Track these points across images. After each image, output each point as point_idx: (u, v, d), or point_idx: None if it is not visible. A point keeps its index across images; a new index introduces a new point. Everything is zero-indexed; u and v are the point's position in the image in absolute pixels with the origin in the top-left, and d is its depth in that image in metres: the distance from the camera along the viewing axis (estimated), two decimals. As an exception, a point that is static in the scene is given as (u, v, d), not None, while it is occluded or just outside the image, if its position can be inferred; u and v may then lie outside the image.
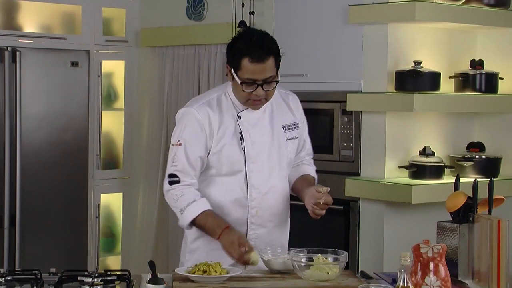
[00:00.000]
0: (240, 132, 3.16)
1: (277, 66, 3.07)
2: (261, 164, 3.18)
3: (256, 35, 3.07)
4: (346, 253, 2.95)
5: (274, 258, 3.04)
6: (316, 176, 3.38)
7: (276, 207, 3.24)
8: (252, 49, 3.01)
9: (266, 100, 3.12)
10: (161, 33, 5.79)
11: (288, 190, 3.30)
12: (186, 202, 3.15)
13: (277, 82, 3.08)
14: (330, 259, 2.94)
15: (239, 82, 3.04)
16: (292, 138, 3.25)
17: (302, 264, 2.89)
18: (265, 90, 3.05)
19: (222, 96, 3.20)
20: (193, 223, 3.15)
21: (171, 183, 3.20)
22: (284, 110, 3.26)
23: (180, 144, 3.17)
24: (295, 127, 3.27)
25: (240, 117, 3.17)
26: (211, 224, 3.09)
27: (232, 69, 3.06)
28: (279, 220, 3.26)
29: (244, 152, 3.16)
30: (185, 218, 3.15)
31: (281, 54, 3.10)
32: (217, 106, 3.17)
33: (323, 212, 3.07)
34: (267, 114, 3.22)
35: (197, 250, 3.27)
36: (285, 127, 3.24)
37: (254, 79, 3.02)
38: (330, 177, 4.43)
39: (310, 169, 3.38)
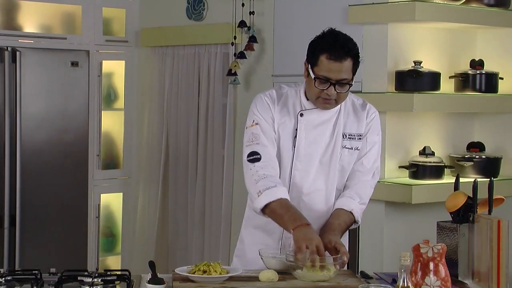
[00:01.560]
0: (296, 129, 3.15)
1: (354, 70, 3.05)
2: (309, 165, 3.14)
3: (341, 36, 3.06)
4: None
5: (273, 258, 3.04)
6: (354, 210, 3.14)
7: (317, 210, 3.16)
8: (333, 47, 3.00)
9: (337, 102, 3.08)
10: (161, 33, 5.79)
11: (336, 197, 3.20)
12: (267, 186, 3.05)
13: (350, 85, 3.05)
14: (327, 259, 2.93)
15: (313, 77, 3.03)
16: (352, 148, 3.18)
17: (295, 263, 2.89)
18: (337, 91, 3.02)
19: (291, 92, 3.20)
20: (267, 209, 3.05)
21: (252, 161, 3.11)
22: (351, 119, 3.20)
23: (256, 124, 3.14)
24: (358, 138, 3.19)
25: (302, 115, 3.14)
26: (293, 214, 3.00)
27: (310, 66, 3.06)
28: (320, 225, 3.13)
29: (294, 149, 3.14)
30: (261, 201, 3.04)
31: (360, 60, 3.07)
32: (283, 99, 3.17)
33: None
34: (333, 119, 3.17)
35: (245, 243, 3.28)
36: (345, 135, 3.18)
37: (328, 77, 3.00)
38: (330, 177, 4.43)
39: (347, 203, 3.15)
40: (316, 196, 3.16)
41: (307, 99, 3.15)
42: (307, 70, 3.08)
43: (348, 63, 3.00)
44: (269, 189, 3.04)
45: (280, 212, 3.02)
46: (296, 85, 3.22)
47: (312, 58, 3.05)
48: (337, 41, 3.02)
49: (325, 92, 3.02)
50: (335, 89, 3.01)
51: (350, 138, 3.17)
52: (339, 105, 3.15)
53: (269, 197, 3.03)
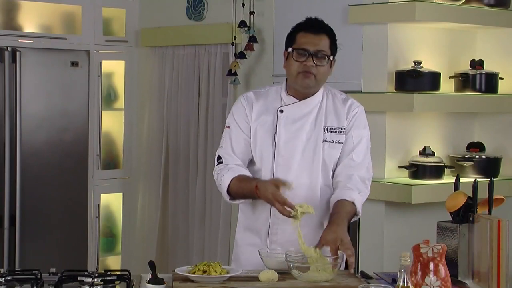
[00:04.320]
0: (276, 126, 3.18)
1: (332, 50, 3.16)
2: (290, 160, 3.17)
3: (316, 18, 3.25)
4: (342, 253, 2.95)
5: (273, 258, 3.04)
6: (356, 200, 3.13)
7: None
8: (308, 24, 3.19)
9: (316, 79, 3.14)
10: (161, 33, 5.79)
11: (324, 193, 3.22)
12: (222, 173, 3.19)
13: (329, 60, 3.14)
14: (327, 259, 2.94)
15: (291, 50, 3.14)
16: (333, 142, 3.21)
17: (297, 265, 2.89)
18: (316, 63, 3.11)
19: (272, 90, 3.28)
20: (233, 194, 3.16)
21: (217, 164, 3.25)
22: (333, 113, 3.24)
23: (227, 127, 3.27)
24: (340, 132, 3.22)
25: (282, 111, 3.20)
26: (246, 186, 3.11)
27: (288, 49, 3.17)
28: (306, 220, 3.14)
29: (275, 145, 3.18)
30: (223, 189, 3.17)
31: (338, 46, 3.19)
32: (263, 98, 3.25)
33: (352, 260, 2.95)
34: (313, 113, 3.22)
35: (239, 244, 3.33)
36: (326, 128, 3.21)
37: (306, 48, 3.11)
38: (330, 177, 4.43)
39: (349, 194, 3.14)
40: (300, 190, 3.16)
41: (288, 95, 3.22)
42: (285, 56, 3.19)
43: (324, 38, 3.15)
44: (223, 177, 3.16)
45: (239, 192, 3.13)
46: (279, 84, 3.30)
47: (289, 41, 3.18)
48: (312, 19, 3.22)
49: (304, 63, 3.11)
50: (313, 61, 3.10)
51: (331, 131, 3.21)
52: (318, 99, 3.20)
53: (225, 182, 3.14)
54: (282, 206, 2.97)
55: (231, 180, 3.15)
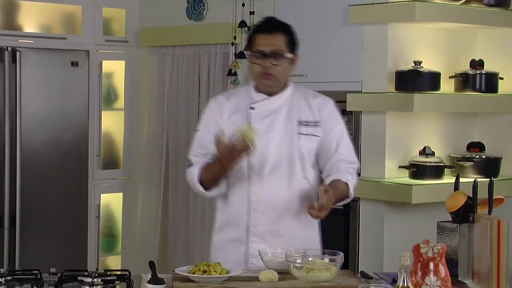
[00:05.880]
0: (249, 122, 3.21)
1: (291, 47, 3.21)
2: (266, 155, 3.21)
3: (273, 17, 3.34)
4: (341, 254, 2.95)
5: (273, 258, 3.04)
6: (350, 181, 3.22)
7: (280, 196, 3.23)
8: (263, 25, 3.24)
9: (277, 78, 3.20)
10: (161, 33, 5.79)
11: (302, 184, 3.27)
12: (191, 173, 3.23)
13: (288, 59, 3.19)
14: (326, 260, 2.94)
15: (249, 54, 3.21)
16: (308, 135, 3.27)
17: (297, 265, 2.89)
18: (274, 63, 3.16)
19: (241, 90, 3.37)
20: (206, 183, 3.20)
21: (188, 167, 3.30)
22: (304, 108, 3.30)
23: (197, 131, 3.34)
24: (314, 125, 3.27)
25: (252, 108, 3.26)
26: (211, 165, 3.16)
27: (248, 52, 3.24)
28: (285, 210, 3.23)
29: None
30: (195, 181, 3.21)
31: (295, 40, 3.24)
32: (233, 98, 3.31)
33: (321, 214, 3.03)
34: (284, 107, 3.27)
35: (218, 242, 3.37)
36: (301, 122, 3.27)
37: (262, 50, 3.16)
38: (330, 177, 4.43)
39: (343, 175, 3.23)
40: (278, 182, 3.23)
41: (258, 92, 3.27)
42: (248, 57, 3.27)
43: (280, 37, 3.19)
44: (191, 173, 3.22)
45: (208, 177, 3.17)
46: (248, 84, 3.38)
47: (249, 44, 3.26)
48: (267, 19, 3.29)
49: (262, 65, 3.17)
50: (270, 62, 3.16)
51: (306, 125, 3.27)
52: (288, 94, 3.27)
53: (194, 174, 3.20)
54: (231, 147, 3.01)
55: (199, 170, 3.20)
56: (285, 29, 3.23)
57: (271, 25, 3.23)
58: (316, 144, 3.27)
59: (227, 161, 3.07)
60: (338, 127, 3.32)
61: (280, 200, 3.22)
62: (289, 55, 3.20)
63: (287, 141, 3.24)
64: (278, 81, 3.23)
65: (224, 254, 3.27)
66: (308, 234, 3.30)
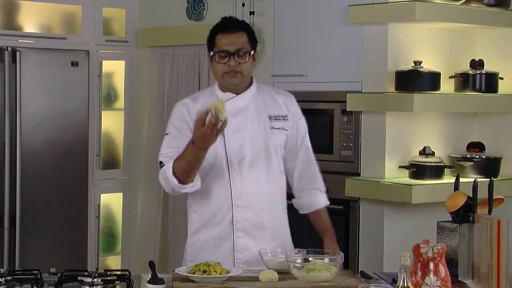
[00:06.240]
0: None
1: (252, 44, 3.28)
2: (242, 152, 3.26)
3: (230, 17, 3.39)
4: (341, 254, 2.95)
5: (273, 258, 3.04)
6: (322, 200, 3.49)
7: (261, 189, 3.29)
8: (224, 24, 3.30)
9: (242, 74, 3.25)
10: (161, 33, 5.79)
11: (278, 177, 3.35)
12: (165, 172, 3.19)
13: (251, 56, 3.26)
14: (326, 260, 2.94)
15: (213, 54, 3.24)
16: (279, 129, 3.35)
17: (297, 265, 2.89)
18: (238, 61, 3.22)
19: (205, 92, 3.42)
20: (180, 174, 3.15)
21: (160, 168, 3.28)
22: (272, 103, 3.37)
23: (166, 134, 3.34)
24: (283, 119, 3.36)
25: None
26: (184, 153, 3.11)
27: (210, 52, 3.28)
28: (267, 203, 3.30)
29: (225, 139, 3.24)
30: (169, 174, 3.15)
31: (256, 36, 3.32)
32: (199, 100, 3.33)
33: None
34: (252, 104, 3.33)
35: (195, 243, 3.35)
36: (271, 117, 3.35)
37: (226, 49, 3.22)
38: (330, 177, 4.42)
39: (318, 201, 3.48)
40: (258, 177, 3.28)
41: (224, 92, 3.31)
42: (209, 59, 3.29)
43: (242, 35, 3.26)
44: (165, 170, 3.17)
45: (184, 166, 3.11)
46: (209, 87, 3.45)
47: (210, 44, 3.30)
48: (227, 19, 3.35)
49: (227, 64, 3.22)
50: (235, 60, 3.21)
51: (276, 119, 3.36)
52: (254, 92, 3.33)
53: (168, 168, 3.15)
54: (206, 123, 2.97)
55: (172, 163, 3.15)
56: (245, 27, 3.31)
57: (232, 24, 3.30)
58: (285, 137, 3.37)
59: (201, 140, 3.01)
60: (302, 120, 3.43)
61: (262, 194, 3.28)
62: (252, 52, 3.26)
63: (262, 135, 3.30)
64: (244, 78, 3.28)
65: (204, 254, 3.25)
66: (279, 221, 3.39)
